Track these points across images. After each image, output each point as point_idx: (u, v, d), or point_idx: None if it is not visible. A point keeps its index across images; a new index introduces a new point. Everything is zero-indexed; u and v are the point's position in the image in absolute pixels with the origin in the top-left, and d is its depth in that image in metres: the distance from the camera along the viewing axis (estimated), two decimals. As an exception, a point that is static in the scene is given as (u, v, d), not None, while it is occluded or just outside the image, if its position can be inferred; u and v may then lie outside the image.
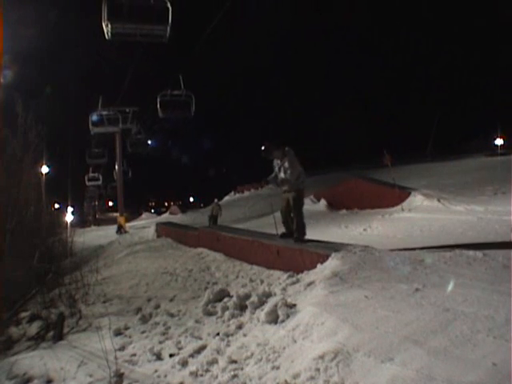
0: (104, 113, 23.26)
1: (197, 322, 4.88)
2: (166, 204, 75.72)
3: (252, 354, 3.56)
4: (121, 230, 23.95)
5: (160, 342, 4.39)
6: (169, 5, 10.54)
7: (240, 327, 4.34)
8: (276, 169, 6.56)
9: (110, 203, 64.42)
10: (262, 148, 6.56)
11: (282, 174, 6.42)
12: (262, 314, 4.22)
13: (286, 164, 6.28)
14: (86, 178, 34.28)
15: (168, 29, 10.94)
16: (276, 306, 4.14)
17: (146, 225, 24.70)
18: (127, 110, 25.03)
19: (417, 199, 10.84)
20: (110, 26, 10.72)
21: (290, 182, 6.31)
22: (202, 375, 3.45)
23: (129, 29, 10.99)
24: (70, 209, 24.65)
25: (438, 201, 10.25)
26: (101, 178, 34.68)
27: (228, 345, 3.96)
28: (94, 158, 29.70)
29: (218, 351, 3.84)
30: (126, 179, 29.69)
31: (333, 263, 4.95)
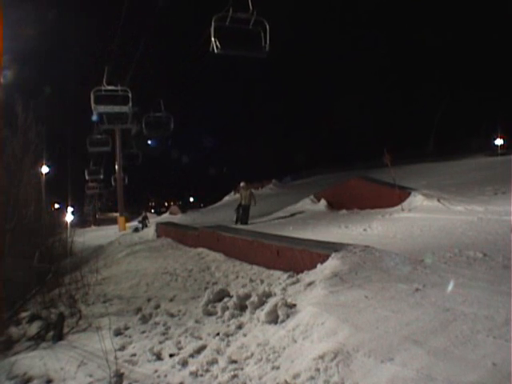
0: (99, 136, 26.54)
1: (197, 322, 4.89)
2: (166, 204, 75.57)
3: (252, 354, 3.56)
4: (145, 222, 23.60)
5: (160, 342, 4.39)
6: (130, 94, 18.58)
7: (240, 327, 4.35)
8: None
9: (110, 203, 64.43)
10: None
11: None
12: (262, 314, 4.22)
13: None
14: (86, 187, 39.02)
15: (130, 107, 19.38)
16: (276, 305, 4.14)
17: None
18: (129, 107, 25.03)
19: (417, 199, 10.82)
20: (96, 108, 18.69)
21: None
22: (202, 375, 3.46)
23: (107, 109, 19.50)
24: (70, 209, 24.71)
25: (438, 201, 10.22)
26: (99, 187, 40.18)
27: (228, 345, 3.96)
28: (93, 175, 33.48)
29: (218, 351, 3.84)
30: (123, 185, 29.59)
31: (333, 263, 4.96)
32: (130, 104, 18.94)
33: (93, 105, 18.25)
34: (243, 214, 13.78)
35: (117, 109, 19.60)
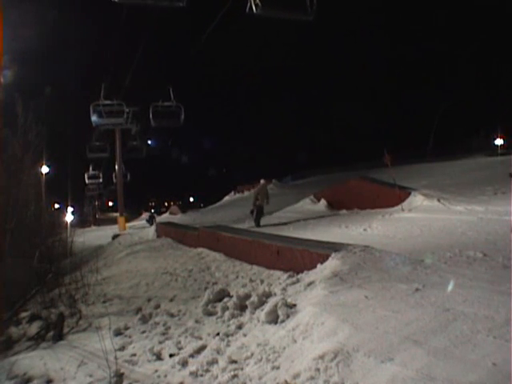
0: (97, 143, 27.83)
1: (197, 321, 4.89)
2: (166, 204, 75.60)
3: (252, 354, 3.56)
4: (152, 220, 24.82)
5: (160, 342, 4.39)
6: (124, 107, 21.33)
7: (240, 327, 4.35)
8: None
9: (110, 203, 64.57)
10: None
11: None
12: (262, 314, 4.22)
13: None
14: (86, 189, 39.89)
15: (125, 118, 22.11)
16: (276, 306, 4.14)
17: (146, 225, 24.76)
18: (127, 110, 25.06)
19: (417, 199, 10.82)
20: (94, 121, 20.86)
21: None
22: (201, 375, 3.46)
23: (105, 121, 21.52)
24: (70, 209, 24.84)
25: (438, 201, 10.22)
26: (99, 187, 40.66)
27: (228, 345, 3.96)
28: (92, 179, 34.45)
29: (218, 351, 3.85)
30: (125, 182, 29.69)
31: (333, 263, 4.95)
32: (125, 115, 22.01)
33: (92, 118, 21.00)
34: (258, 214, 12.43)
35: (113, 121, 22.19)
